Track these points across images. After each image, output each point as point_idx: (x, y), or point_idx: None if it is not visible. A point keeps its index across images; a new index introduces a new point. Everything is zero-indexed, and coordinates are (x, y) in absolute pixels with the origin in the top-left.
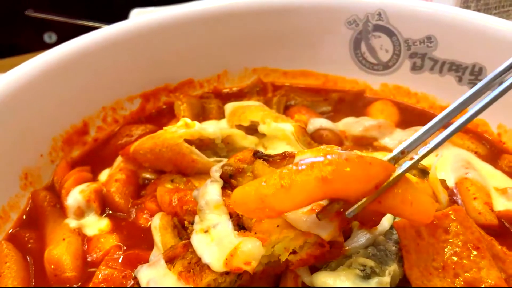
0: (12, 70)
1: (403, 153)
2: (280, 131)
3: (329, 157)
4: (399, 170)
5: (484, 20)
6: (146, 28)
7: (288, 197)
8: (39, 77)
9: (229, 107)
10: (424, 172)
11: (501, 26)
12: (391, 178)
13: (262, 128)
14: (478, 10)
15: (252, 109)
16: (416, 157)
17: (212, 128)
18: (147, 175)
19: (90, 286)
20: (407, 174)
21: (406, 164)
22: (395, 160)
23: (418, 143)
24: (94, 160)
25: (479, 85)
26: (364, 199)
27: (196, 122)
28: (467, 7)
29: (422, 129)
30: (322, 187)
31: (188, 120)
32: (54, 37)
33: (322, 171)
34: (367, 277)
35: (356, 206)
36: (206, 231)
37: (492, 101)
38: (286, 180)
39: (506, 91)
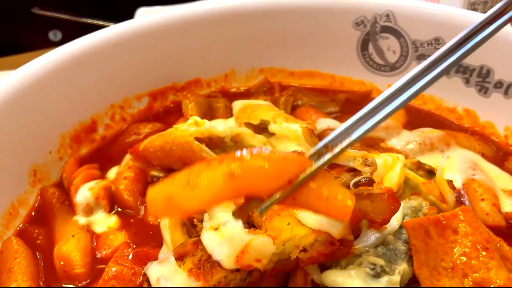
0: (21, 68)
1: (326, 148)
2: (291, 132)
3: (238, 153)
4: (317, 164)
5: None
6: (154, 27)
7: (195, 196)
8: (48, 75)
9: (238, 104)
10: (430, 173)
11: (509, 29)
12: (306, 173)
13: (272, 128)
14: (485, 13)
15: (262, 108)
16: (336, 150)
17: (221, 126)
18: (156, 173)
19: (99, 282)
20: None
21: (324, 158)
22: (318, 155)
23: (343, 137)
24: (102, 157)
25: (408, 75)
26: (278, 194)
27: (206, 121)
28: (474, 10)
29: (346, 122)
30: (230, 183)
31: (198, 119)
32: (59, 35)
33: (229, 166)
34: (377, 275)
35: (268, 202)
36: (216, 229)
37: (418, 92)
38: (193, 177)
39: (433, 81)
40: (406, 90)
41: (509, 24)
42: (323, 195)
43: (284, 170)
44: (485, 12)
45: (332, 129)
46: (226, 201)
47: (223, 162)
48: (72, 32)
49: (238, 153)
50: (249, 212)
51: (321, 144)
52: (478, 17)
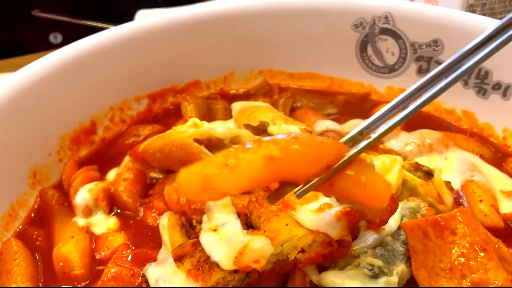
0: (21, 70)
1: (361, 134)
2: None
3: (277, 136)
4: (353, 150)
5: (490, 25)
6: (154, 29)
7: (233, 177)
8: (47, 77)
9: (237, 106)
10: (428, 174)
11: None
12: (344, 159)
13: (272, 129)
14: (484, 15)
15: (262, 109)
16: (374, 136)
17: (220, 128)
18: (155, 175)
19: (98, 283)
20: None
21: (362, 144)
22: (353, 141)
23: (378, 124)
24: (102, 159)
25: (437, 69)
26: (315, 179)
27: (205, 122)
28: (473, 12)
29: (381, 110)
30: (269, 167)
31: (197, 120)
32: (59, 38)
33: (269, 149)
34: (375, 276)
35: (306, 187)
36: (215, 230)
37: (449, 85)
38: (231, 159)
39: (462, 76)
40: (436, 83)
41: None
42: (361, 181)
43: (323, 155)
44: (484, 14)
45: (331, 131)
46: (264, 184)
47: (262, 145)
48: (73, 34)
49: (277, 136)
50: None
51: (356, 130)
52: (477, 19)
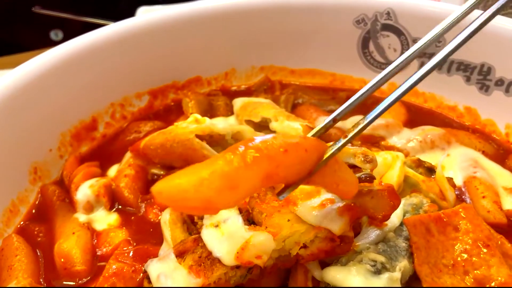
0: (21, 66)
1: (334, 121)
2: (292, 130)
3: (271, 143)
4: (331, 149)
5: (493, 20)
6: (155, 25)
7: (234, 196)
8: (48, 73)
9: (239, 102)
10: (431, 171)
11: (509, 26)
12: (323, 159)
13: (274, 125)
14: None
15: (264, 105)
16: (350, 135)
17: (222, 124)
18: (156, 171)
19: (100, 279)
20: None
21: (338, 143)
22: (326, 128)
23: (348, 109)
24: (103, 155)
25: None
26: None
27: (206, 118)
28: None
29: (353, 98)
30: (267, 183)
31: (199, 116)
32: (60, 35)
33: (269, 168)
34: (377, 272)
35: (289, 189)
36: (217, 226)
37: (426, 74)
38: (234, 178)
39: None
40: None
41: (507, 21)
42: (335, 182)
43: (309, 161)
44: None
45: (332, 127)
46: None
47: (261, 162)
48: (74, 31)
49: (271, 143)
50: (250, 207)
51: (330, 117)
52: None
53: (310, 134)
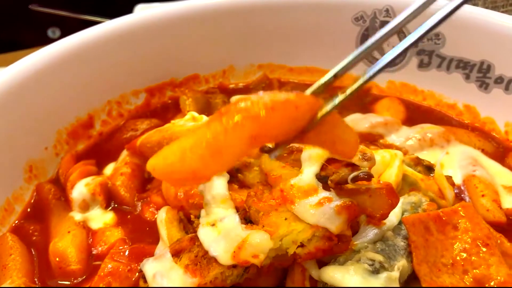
0: (17, 63)
1: (336, 77)
2: None
3: (251, 99)
4: (327, 107)
5: (492, 18)
6: (152, 22)
7: (219, 162)
8: (44, 70)
9: (236, 99)
10: (429, 169)
11: (509, 23)
12: (318, 116)
13: None
14: (486, 8)
15: None
16: (349, 92)
17: None
18: None
19: (95, 279)
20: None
21: (335, 99)
22: (327, 85)
23: (352, 63)
24: (99, 153)
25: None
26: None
27: (203, 116)
28: (475, 5)
29: (357, 50)
30: (252, 143)
31: (196, 114)
32: (58, 33)
33: (251, 129)
34: (375, 271)
35: (279, 148)
36: (213, 225)
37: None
38: (215, 145)
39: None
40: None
41: (507, 18)
42: (330, 139)
43: (299, 117)
44: (486, 7)
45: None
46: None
47: (243, 125)
48: (71, 29)
49: (251, 99)
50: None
51: (331, 73)
52: (479, 12)
53: (308, 91)
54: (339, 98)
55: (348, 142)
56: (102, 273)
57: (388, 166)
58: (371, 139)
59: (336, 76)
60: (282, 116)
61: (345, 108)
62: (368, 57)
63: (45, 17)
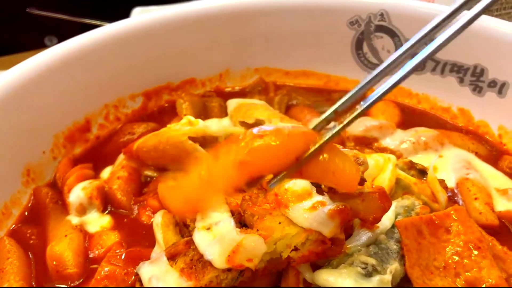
0: (15, 67)
1: (336, 113)
2: None
3: (243, 137)
4: (324, 138)
5: (486, 22)
6: (149, 26)
7: (211, 192)
8: (41, 74)
9: (233, 103)
10: (422, 172)
11: (503, 27)
12: (312, 149)
13: None
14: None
15: (257, 107)
16: (346, 121)
17: (215, 126)
18: (149, 173)
19: (92, 282)
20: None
21: (333, 130)
22: (328, 121)
23: (352, 101)
24: (96, 157)
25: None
26: (287, 170)
27: (199, 120)
28: (469, 9)
29: (354, 89)
30: (242, 171)
31: (192, 118)
32: (55, 41)
33: (238, 155)
34: (368, 275)
35: (277, 178)
36: (208, 229)
37: (410, 72)
38: (206, 176)
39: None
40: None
41: (504, 22)
42: (330, 169)
43: (291, 148)
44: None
45: (327, 129)
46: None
47: (231, 151)
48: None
49: (243, 137)
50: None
51: (331, 110)
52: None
53: (311, 128)
54: (337, 128)
55: (347, 172)
56: (98, 277)
57: (381, 170)
58: (366, 142)
59: (336, 113)
60: (271, 143)
61: (342, 111)
62: (366, 63)
63: (42, 25)
